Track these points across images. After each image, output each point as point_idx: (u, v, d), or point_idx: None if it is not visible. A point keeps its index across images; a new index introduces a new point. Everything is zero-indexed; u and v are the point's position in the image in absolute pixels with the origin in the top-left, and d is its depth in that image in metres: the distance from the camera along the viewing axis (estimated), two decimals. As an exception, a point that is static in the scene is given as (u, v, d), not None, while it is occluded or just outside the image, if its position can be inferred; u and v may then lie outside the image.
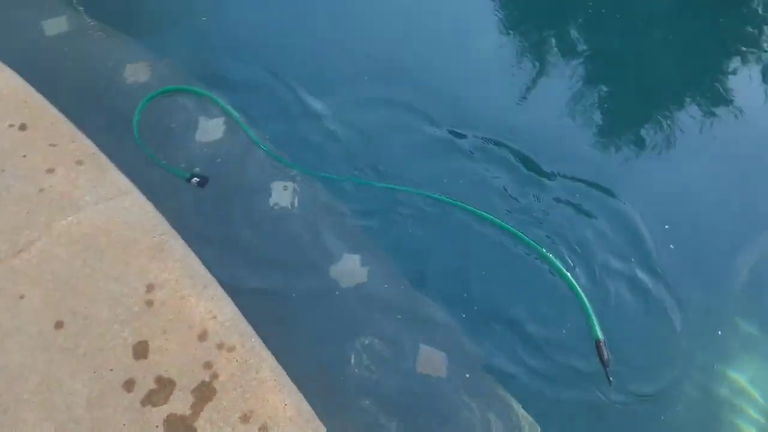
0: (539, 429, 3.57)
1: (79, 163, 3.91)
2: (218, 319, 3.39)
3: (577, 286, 4.05)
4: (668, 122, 5.13)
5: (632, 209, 4.44)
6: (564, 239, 4.30)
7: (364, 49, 5.41)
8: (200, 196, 4.32)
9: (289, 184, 4.47)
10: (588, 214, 4.43)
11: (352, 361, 3.75)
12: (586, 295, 4.04)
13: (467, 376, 3.74)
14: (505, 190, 4.53)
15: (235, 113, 4.76)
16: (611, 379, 3.73)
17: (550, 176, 4.61)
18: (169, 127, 4.66)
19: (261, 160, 4.57)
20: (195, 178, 4.36)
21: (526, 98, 5.21)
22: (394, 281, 4.08)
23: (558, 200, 4.50)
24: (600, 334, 3.89)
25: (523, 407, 3.64)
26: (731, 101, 5.26)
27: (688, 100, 5.35)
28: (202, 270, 3.60)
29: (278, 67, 5.11)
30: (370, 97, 5.00)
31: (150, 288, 3.45)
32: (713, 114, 5.17)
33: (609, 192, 4.55)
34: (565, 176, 4.61)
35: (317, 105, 4.92)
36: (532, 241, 4.23)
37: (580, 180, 4.60)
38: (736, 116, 5.13)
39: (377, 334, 3.86)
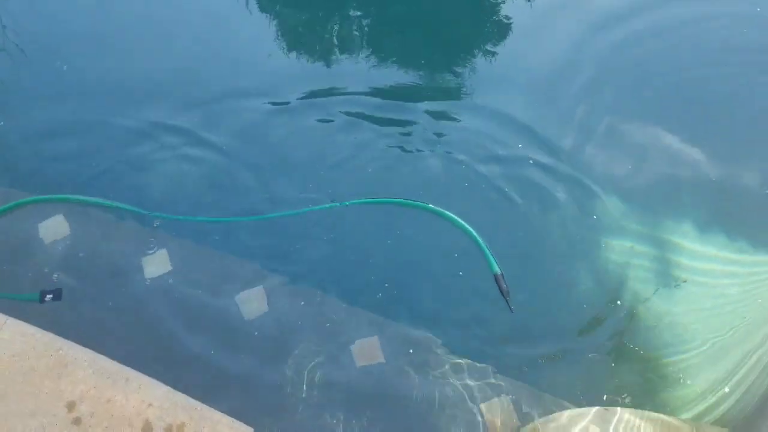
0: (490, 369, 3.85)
1: (-67, 318, 3.56)
2: (155, 404, 3.28)
3: (470, 228, 4.36)
4: (466, 64, 5.65)
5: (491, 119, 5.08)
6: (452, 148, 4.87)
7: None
8: (77, 297, 4.09)
9: (159, 252, 4.33)
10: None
11: (299, 385, 3.79)
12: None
13: (410, 351, 3.91)
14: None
15: (75, 197, 4.53)
16: (512, 307, 4.08)
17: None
18: (11, 245, 4.32)
19: (123, 236, 4.40)
20: (48, 295, 4.07)
21: (354, 73, 5.51)
22: (306, 298, 4.14)
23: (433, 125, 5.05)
24: (497, 268, 4.22)
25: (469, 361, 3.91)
26: (511, 26, 5.89)
27: (476, 37, 5.89)
28: (115, 366, 3.44)
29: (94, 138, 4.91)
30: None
31: (71, 406, 3.25)
32: (502, 40, 5.78)
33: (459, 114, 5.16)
34: (427, 112, 5.13)
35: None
36: (418, 202, 4.50)
37: (434, 114, 5.13)
38: (519, 37, 5.81)
39: (311, 350, 3.91)
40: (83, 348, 3.50)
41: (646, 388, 3.87)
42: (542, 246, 4.41)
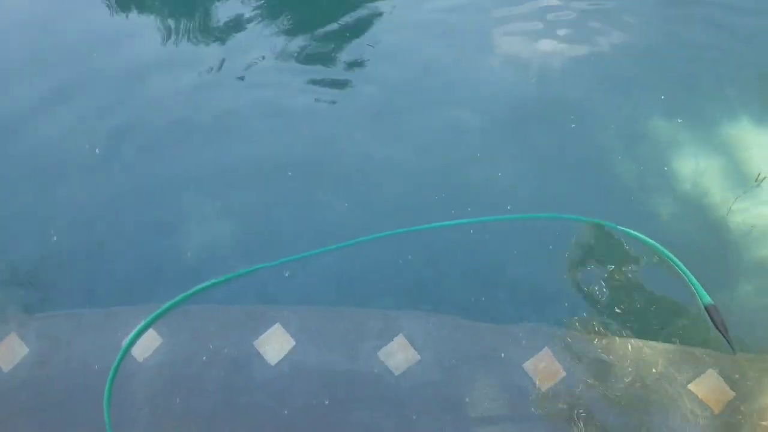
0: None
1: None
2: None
3: (675, 258, 3.83)
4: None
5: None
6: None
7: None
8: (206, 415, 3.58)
9: (273, 328, 3.84)
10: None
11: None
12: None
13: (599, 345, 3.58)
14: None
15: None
16: (733, 346, 3.52)
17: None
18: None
19: (224, 322, 3.91)
20: None
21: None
22: (451, 330, 3.75)
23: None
24: (708, 298, 3.63)
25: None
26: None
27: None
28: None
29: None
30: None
31: None
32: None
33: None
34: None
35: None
36: (629, 230, 4.01)
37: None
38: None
39: (483, 387, 3.54)
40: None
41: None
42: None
